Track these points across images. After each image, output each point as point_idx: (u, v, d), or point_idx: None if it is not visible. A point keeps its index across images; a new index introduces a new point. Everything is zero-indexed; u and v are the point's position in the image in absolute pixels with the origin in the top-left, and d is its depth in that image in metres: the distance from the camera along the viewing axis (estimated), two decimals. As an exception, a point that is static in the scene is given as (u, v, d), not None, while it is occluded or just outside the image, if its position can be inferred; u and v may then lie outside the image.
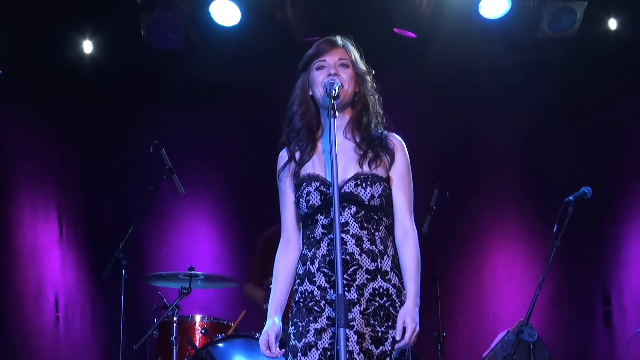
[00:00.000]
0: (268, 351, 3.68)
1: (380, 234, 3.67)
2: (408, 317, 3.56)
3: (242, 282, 7.01)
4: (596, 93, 7.76)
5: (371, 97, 3.83)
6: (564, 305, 7.84)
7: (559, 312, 7.80)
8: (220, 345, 5.93)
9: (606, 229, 7.86)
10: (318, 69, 3.76)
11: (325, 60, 3.76)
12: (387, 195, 3.70)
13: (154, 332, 6.19)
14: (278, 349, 3.68)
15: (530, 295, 5.83)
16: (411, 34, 7.53)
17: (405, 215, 3.74)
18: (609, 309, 7.78)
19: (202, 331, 6.31)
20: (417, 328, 3.57)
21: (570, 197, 5.85)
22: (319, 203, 3.66)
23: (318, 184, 3.67)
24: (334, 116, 3.50)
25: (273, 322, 3.72)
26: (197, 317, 6.39)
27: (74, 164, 7.94)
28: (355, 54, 3.84)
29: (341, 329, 3.23)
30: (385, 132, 3.83)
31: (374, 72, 3.87)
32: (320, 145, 3.80)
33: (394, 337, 3.59)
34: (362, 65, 3.84)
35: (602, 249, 7.85)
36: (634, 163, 7.63)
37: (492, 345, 6.59)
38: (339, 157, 3.48)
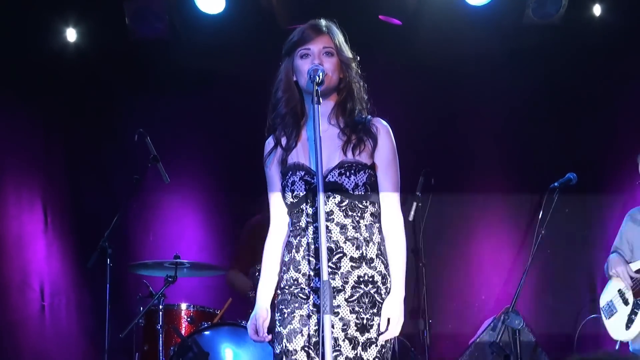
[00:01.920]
0: (256, 335, 3.70)
1: (365, 221, 3.67)
2: (392, 308, 3.57)
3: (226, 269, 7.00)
4: (581, 79, 7.77)
5: (356, 83, 3.81)
6: (549, 292, 7.85)
7: (545, 299, 7.82)
8: (206, 333, 5.93)
9: (591, 215, 7.88)
10: (302, 57, 3.74)
11: (309, 49, 3.74)
12: (372, 183, 3.69)
13: (140, 320, 6.18)
14: (266, 333, 3.69)
15: (516, 282, 5.86)
16: (396, 21, 7.52)
17: (391, 202, 3.74)
18: (594, 295, 7.80)
19: (188, 319, 6.31)
20: (402, 319, 3.58)
21: (556, 184, 5.88)
22: (304, 192, 3.66)
23: (303, 174, 3.67)
24: (318, 102, 3.48)
25: (261, 308, 3.73)
26: (183, 306, 6.39)
27: (58, 153, 7.91)
28: (340, 39, 3.80)
29: (326, 315, 3.23)
30: (370, 116, 3.82)
31: (359, 58, 3.86)
32: (304, 133, 3.79)
33: (379, 325, 3.60)
34: (347, 52, 3.81)
35: (587, 236, 7.87)
36: (620, 149, 7.64)
37: (479, 332, 6.62)
38: (323, 145, 3.46)
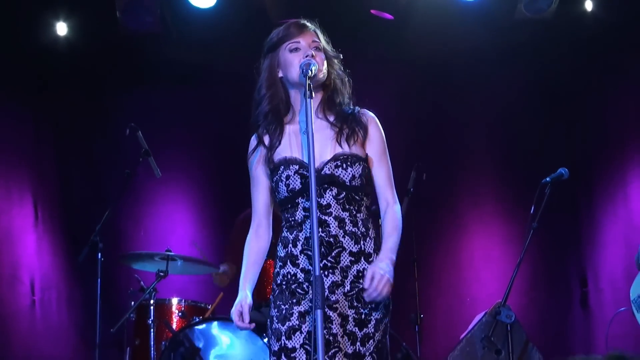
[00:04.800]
0: (240, 322, 3.68)
1: (362, 215, 3.67)
2: (376, 267, 3.52)
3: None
4: (573, 74, 7.78)
5: (339, 80, 3.83)
6: (541, 286, 7.87)
7: (536, 294, 7.83)
8: (197, 327, 5.92)
9: (583, 211, 7.90)
10: (292, 51, 3.74)
11: (299, 42, 3.74)
12: (367, 175, 3.71)
13: (131, 315, 6.17)
14: (248, 320, 3.68)
15: (507, 277, 5.85)
16: (388, 16, 7.52)
17: (386, 188, 3.76)
18: (585, 290, 7.82)
19: (180, 314, 6.30)
20: (391, 279, 3.52)
21: (547, 179, 5.88)
22: (300, 186, 3.65)
23: (297, 167, 3.66)
24: (311, 96, 3.49)
25: (245, 295, 3.72)
26: (174, 300, 6.37)
27: (48, 147, 7.89)
28: (323, 38, 3.84)
29: (318, 311, 3.23)
30: (357, 107, 3.83)
31: (341, 56, 3.87)
32: (290, 127, 3.78)
33: (377, 320, 3.60)
34: (330, 49, 3.84)
35: (578, 231, 7.89)
36: (611, 144, 7.66)
37: (470, 327, 6.61)
38: (315, 138, 3.47)
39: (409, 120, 7.85)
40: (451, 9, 7.47)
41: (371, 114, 3.83)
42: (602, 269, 7.68)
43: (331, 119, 3.76)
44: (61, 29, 7.61)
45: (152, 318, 6.08)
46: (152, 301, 6.10)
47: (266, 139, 3.78)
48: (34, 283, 7.53)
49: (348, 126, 3.73)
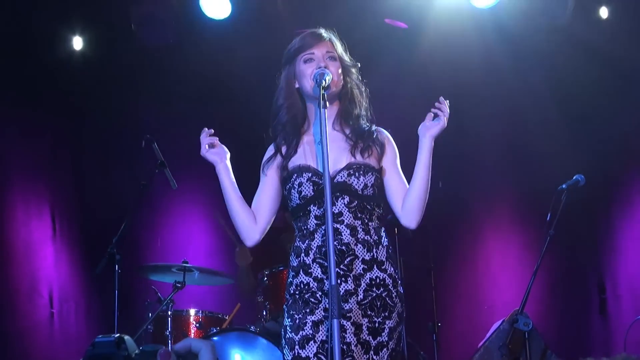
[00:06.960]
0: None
1: (373, 224, 3.68)
2: None
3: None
4: (587, 82, 7.75)
5: (357, 89, 3.85)
6: (558, 294, 7.84)
7: (554, 301, 7.80)
8: (215, 338, 5.93)
9: (600, 217, 7.86)
10: (306, 61, 3.76)
11: (313, 53, 3.77)
12: (379, 185, 3.73)
13: (149, 326, 6.18)
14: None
15: (524, 284, 5.84)
16: (402, 25, 7.52)
17: (402, 192, 3.80)
18: (603, 297, 7.78)
19: (197, 325, 6.30)
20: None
21: (564, 185, 5.86)
22: (312, 194, 3.66)
23: (310, 175, 3.68)
24: (325, 107, 3.50)
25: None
26: (192, 311, 6.39)
27: (65, 159, 7.92)
28: (340, 47, 3.85)
29: (335, 320, 3.23)
30: (374, 126, 3.86)
31: (359, 64, 3.88)
32: (306, 138, 3.80)
33: (390, 328, 3.60)
34: (347, 58, 3.85)
35: (596, 237, 7.85)
36: (627, 150, 7.63)
37: (488, 335, 6.60)
38: (330, 147, 3.49)
39: (424, 128, 7.83)
40: (465, 16, 7.47)
41: (386, 132, 3.86)
42: (620, 276, 7.64)
43: (347, 131, 3.78)
44: (77, 43, 7.66)
45: (169, 329, 6.10)
46: (169, 312, 6.12)
47: (283, 150, 3.81)
48: (52, 295, 7.56)
49: (363, 141, 3.75)
